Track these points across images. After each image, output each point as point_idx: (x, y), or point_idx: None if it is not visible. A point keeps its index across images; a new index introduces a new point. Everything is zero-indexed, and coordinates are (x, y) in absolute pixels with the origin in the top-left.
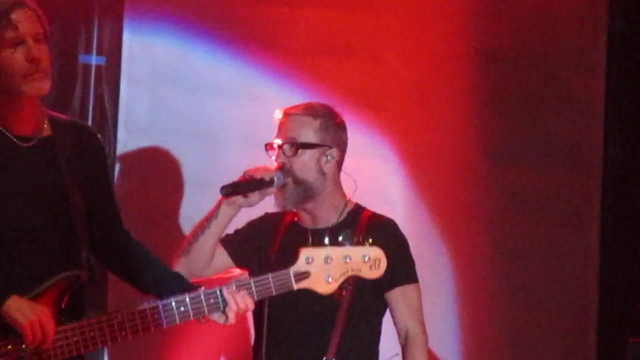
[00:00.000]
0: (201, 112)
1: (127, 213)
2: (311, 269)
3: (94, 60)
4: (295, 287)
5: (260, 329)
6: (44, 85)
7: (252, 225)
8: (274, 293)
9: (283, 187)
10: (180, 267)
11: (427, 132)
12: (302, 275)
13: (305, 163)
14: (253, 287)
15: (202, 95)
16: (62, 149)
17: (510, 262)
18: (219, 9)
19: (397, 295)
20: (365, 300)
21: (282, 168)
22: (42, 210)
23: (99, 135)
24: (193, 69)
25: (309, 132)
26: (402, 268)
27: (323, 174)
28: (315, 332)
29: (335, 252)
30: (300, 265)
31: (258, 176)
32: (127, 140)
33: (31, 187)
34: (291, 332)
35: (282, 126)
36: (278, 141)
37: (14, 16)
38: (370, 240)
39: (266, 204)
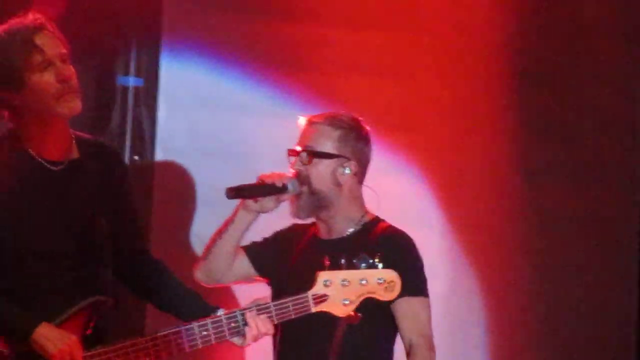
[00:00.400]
0: (237, 133)
1: (165, 234)
2: (329, 292)
3: (131, 82)
4: (313, 309)
5: (275, 342)
6: (77, 104)
7: (278, 235)
8: (293, 316)
9: (298, 195)
10: (200, 272)
11: (462, 152)
12: (321, 299)
13: (321, 173)
14: (273, 311)
15: (238, 116)
16: (89, 171)
17: (546, 281)
18: (253, 31)
19: (402, 307)
20: (367, 310)
21: (297, 176)
22: (70, 233)
23: (130, 157)
24: (229, 91)
25: (326, 142)
26: (409, 280)
27: (338, 185)
28: (318, 342)
29: (351, 275)
30: (318, 288)
31: (269, 181)
32: (164, 162)
33: (60, 211)
34: (298, 343)
35: (303, 133)
36: (298, 148)
37: (38, 40)
38: (378, 258)
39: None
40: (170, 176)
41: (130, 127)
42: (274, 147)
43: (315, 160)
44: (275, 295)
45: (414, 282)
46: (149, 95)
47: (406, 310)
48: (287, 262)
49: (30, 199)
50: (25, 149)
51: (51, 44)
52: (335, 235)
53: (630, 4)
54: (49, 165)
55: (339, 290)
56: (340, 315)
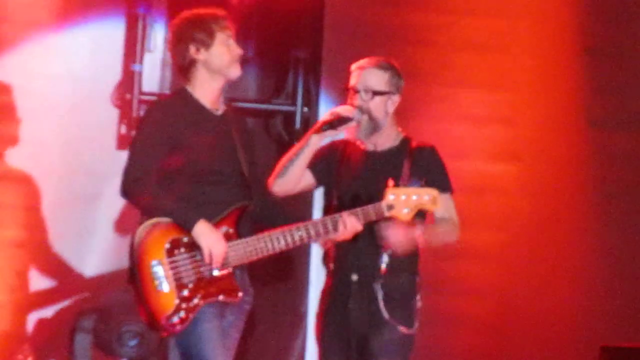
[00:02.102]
0: None
1: None
2: (394, 203)
3: (301, 54)
4: (387, 214)
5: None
6: (239, 71)
7: (324, 151)
8: (374, 219)
9: (359, 122)
10: (277, 186)
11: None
12: (390, 207)
13: (378, 105)
14: (360, 214)
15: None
16: (234, 118)
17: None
18: (399, 17)
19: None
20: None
21: (360, 108)
22: (228, 159)
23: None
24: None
25: (381, 82)
26: (440, 180)
27: (387, 113)
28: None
29: (408, 191)
30: (387, 200)
31: (345, 114)
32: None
33: (221, 143)
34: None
35: (361, 76)
36: (358, 87)
37: (229, 23)
38: (424, 181)
39: None
40: None
41: (301, 93)
42: (424, 112)
43: (375, 97)
44: (328, 192)
45: (444, 181)
46: (315, 65)
47: (442, 203)
48: (336, 168)
49: (208, 134)
50: (196, 99)
51: (234, 30)
52: (379, 148)
53: None
54: (212, 111)
55: (400, 202)
56: (404, 220)
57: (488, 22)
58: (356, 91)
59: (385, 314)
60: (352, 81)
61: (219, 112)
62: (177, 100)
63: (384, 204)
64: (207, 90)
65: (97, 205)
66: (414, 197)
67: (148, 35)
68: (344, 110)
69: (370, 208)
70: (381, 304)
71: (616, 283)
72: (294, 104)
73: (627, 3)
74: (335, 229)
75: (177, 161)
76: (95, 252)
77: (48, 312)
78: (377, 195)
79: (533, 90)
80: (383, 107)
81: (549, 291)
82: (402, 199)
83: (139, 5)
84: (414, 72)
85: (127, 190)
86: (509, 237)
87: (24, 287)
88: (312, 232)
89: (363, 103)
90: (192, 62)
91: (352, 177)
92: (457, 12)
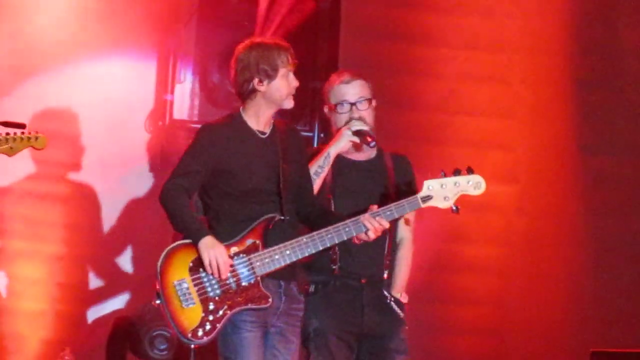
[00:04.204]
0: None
1: None
2: (432, 193)
3: (318, 85)
4: (422, 205)
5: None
6: (292, 103)
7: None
8: (408, 211)
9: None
10: None
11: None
12: (427, 198)
13: (371, 114)
14: (394, 210)
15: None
16: (281, 138)
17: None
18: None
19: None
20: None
21: (362, 119)
22: (268, 177)
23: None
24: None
25: (369, 91)
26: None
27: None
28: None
29: (447, 180)
30: (424, 191)
31: (365, 127)
32: None
33: (264, 163)
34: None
35: (357, 87)
36: (352, 100)
37: (290, 56)
38: (466, 171)
39: None
40: None
41: (317, 118)
42: (431, 137)
43: (370, 104)
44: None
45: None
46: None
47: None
48: (334, 178)
49: (250, 155)
50: (245, 123)
51: (293, 62)
52: (365, 158)
53: None
54: (259, 134)
55: (439, 191)
56: (444, 208)
57: (488, 56)
58: (353, 104)
59: (401, 313)
60: (347, 96)
61: (266, 135)
62: (226, 125)
63: (419, 196)
64: (260, 116)
65: (131, 221)
66: (454, 185)
67: (178, 68)
68: (361, 124)
69: (404, 202)
70: (393, 305)
71: (605, 292)
72: (311, 130)
73: (613, 38)
74: (365, 230)
75: (218, 181)
76: (129, 264)
77: (87, 319)
78: (375, 202)
79: (529, 118)
80: (374, 115)
81: (543, 300)
82: (440, 187)
83: (170, 40)
84: (421, 101)
85: (160, 197)
86: (508, 251)
87: (64, 297)
88: (343, 237)
89: (364, 113)
90: (253, 91)
91: (348, 186)
92: (460, 47)
